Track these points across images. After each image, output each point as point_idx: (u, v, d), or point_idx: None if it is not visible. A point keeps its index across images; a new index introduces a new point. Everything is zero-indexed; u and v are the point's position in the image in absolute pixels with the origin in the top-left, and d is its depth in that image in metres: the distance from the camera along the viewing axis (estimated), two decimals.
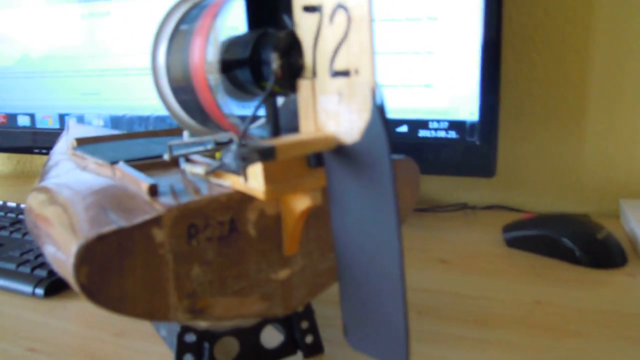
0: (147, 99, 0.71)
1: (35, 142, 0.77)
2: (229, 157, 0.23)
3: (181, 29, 0.29)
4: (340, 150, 0.25)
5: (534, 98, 0.71)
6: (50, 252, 0.30)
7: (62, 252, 0.27)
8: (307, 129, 0.26)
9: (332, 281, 0.34)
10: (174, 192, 0.29)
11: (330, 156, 0.25)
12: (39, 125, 0.78)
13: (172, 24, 0.30)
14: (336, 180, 0.26)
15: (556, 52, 0.69)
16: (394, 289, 0.24)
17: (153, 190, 0.28)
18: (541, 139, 0.71)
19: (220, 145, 0.34)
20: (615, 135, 0.69)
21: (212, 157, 0.34)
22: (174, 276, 0.27)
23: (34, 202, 0.36)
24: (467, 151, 0.60)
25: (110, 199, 0.29)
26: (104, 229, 0.25)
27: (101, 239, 0.25)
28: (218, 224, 0.28)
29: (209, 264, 0.28)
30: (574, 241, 0.54)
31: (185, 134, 0.42)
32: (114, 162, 0.34)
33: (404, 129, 0.62)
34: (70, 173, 0.38)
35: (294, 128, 0.27)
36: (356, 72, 0.23)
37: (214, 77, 0.25)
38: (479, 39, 0.57)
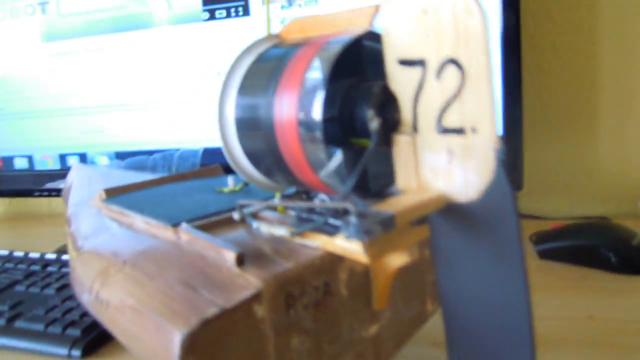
0: (154, 134, 0.68)
1: (36, 184, 0.74)
2: (351, 231, 0.21)
3: (256, 80, 0.27)
4: (451, 209, 0.24)
5: (546, 106, 0.71)
6: (124, 330, 0.28)
7: (149, 337, 0.25)
8: (408, 186, 0.25)
9: (417, 329, 0.32)
10: (259, 259, 0.27)
11: (437, 214, 0.24)
12: (38, 167, 0.74)
13: (242, 72, 0.28)
14: (444, 237, 0.25)
15: (565, 59, 0.69)
16: (520, 344, 0.23)
17: (241, 260, 0.26)
18: (556, 145, 0.71)
19: (286, 198, 0.32)
20: (630, 136, 0.69)
21: (274, 209, 0.32)
22: (275, 350, 0.25)
23: (86, 271, 0.33)
24: None
25: (192, 271, 0.27)
26: (207, 313, 0.23)
27: (205, 325, 0.23)
28: (313, 289, 0.27)
29: (306, 332, 0.26)
30: (610, 249, 0.54)
31: (230, 179, 0.40)
32: (175, 224, 0.32)
33: None
34: (116, 234, 0.36)
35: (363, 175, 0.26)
36: (473, 130, 0.22)
37: (309, 136, 0.24)
38: (499, 51, 0.56)
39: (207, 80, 0.65)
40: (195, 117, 0.67)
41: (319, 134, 0.23)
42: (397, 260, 0.27)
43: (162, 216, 0.34)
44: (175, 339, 0.23)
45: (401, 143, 0.25)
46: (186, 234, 0.31)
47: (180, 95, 0.66)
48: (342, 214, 0.26)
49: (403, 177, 0.25)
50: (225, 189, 0.40)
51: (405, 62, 0.23)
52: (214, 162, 0.54)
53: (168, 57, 0.66)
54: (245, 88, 0.28)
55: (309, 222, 0.29)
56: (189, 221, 0.32)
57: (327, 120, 0.23)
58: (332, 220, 0.26)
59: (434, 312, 0.34)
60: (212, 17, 0.63)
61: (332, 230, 0.27)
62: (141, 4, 0.65)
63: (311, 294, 0.27)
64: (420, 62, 0.23)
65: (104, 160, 0.71)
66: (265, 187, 0.31)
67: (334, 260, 0.27)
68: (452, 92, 0.22)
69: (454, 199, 0.23)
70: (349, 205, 0.22)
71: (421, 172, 0.24)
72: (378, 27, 0.24)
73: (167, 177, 0.48)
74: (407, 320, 0.32)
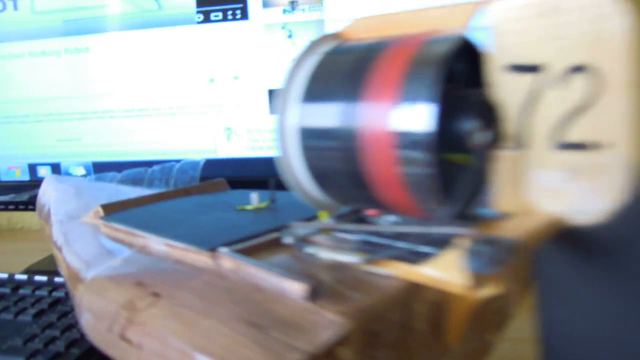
0: (137, 143, 0.63)
1: None
2: (479, 261, 0.18)
3: (328, 84, 0.24)
4: (564, 233, 0.21)
5: None
6: None
7: None
8: (508, 207, 0.22)
9: None
10: (326, 291, 0.23)
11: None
12: (3, 178, 0.68)
13: (306, 75, 0.25)
14: (552, 265, 0.22)
15: None
16: None
17: (315, 294, 0.23)
18: None
19: (343, 218, 0.29)
20: None
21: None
22: None
23: (101, 302, 0.29)
24: None
25: (250, 306, 0.23)
26: None
27: None
28: (394, 325, 0.23)
29: None
30: None
31: (254, 196, 0.36)
32: (212, 249, 0.28)
33: None
34: (130, 258, 0.32)
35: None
36: (604, 146, 0.19)
37: (407, 150, 0.20)
38: None
39: (199, 87, 0.61)
40: (184, 127, 0.62)
41: (423, 150, 0.20)
42: (488, 290, 0.24)
43: (188, 238, 0.30)
44: None
45: (505, 160, 0.22)
46: (229, 261, 0.27)
47: (167, 103, 0.62)
48: (437, 241, 0.23)
49: (504, 197, 0.22)
50: (248, 207, 0.36)
51: (518, 68, 0.20)
52: (213, 175, 0.50)
53: (156, 61, 0.61)
54: (314, 93, 0.24)
55: (379, 247, 0.25)
56: (226, 245, 0.28)
57: (434, 134, 0.20)
58: (422, 248, 0.23)
59: (494, 342, 0.31)
60: (206, 19, 0.58)
61: (414, 258, 0.23)
62: (127, 2, 0.60)
63: (391, 330, 0.23)
64: (536, 68, 0.20)
65: (79, 171, 0.65)
66: (320, 205, 0.27)
67: (410, 291, 0.24)
68: (580, 103, 0.19)
69: (570, 222, 0.21)
70: (468, 231, 0.19)
71: (527, 192, 0.21)
72: (479, 27, 0.22)
73: (169, 192, 0.43)
74: (471, 353, 0.29)
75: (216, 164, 0.60)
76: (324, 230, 0.28)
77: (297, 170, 0.25)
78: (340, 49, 0.25)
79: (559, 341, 0.22)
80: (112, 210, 0.40)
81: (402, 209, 0.23)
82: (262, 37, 0.58)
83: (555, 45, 0.19)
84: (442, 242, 0.24)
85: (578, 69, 0.19)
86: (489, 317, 0.30)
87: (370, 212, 0.30)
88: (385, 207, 0.24)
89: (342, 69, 0.23)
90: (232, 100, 0.60)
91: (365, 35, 0.25)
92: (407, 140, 0.20)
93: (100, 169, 0.64)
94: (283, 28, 0.57)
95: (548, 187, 0.21)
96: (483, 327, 0.30)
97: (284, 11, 0.56)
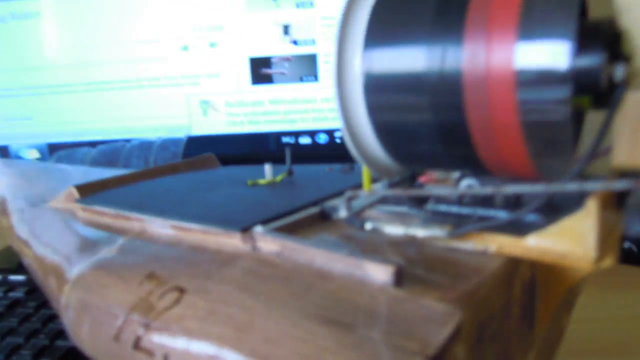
0: (99, 121, 0.56)
1: None
2: None
3: (406, 12, 0.19)
4: None
5: None
6: None
7: None
8: (637, 160, 0.18)
9: (557, 348, 0.26)
10: (416, 274, 0.19)
11: None
12: None
13: (370, 4, 0.20)
14: None
15: None
16: None
17: (400, 277, 0.18)
18: None
19: (394, 188, 0.24)
20: None
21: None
22: None
23: (101, 302, 0.23)
24: None
25: (320, 298, 0.18)
26: None
27: None
28: (497, 313, 0.19)
29: None
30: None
31: (267, 168, 0.31)
32: (245, 229, 0.22)
33: None
34: (129, 246, 0.26)
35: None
36: None
37: (539, 95, 0.16)
38: None
39: (170, 55, 0.54)
40: (153, 101, 0.55)
41: (558, 90, 0.15)
42: (609, 261, 0.19)
43: (206, 218, 0.25)
44: None
45: (632, 103, 0.17)
46: (273, 242, 0.21)
47: (133, 74, 0.54)
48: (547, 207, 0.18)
49: (628, 150, 0.18)
50: (262, 181, 0.31)
51: None
52: (197, 152, 0.44)
53: (119, 26, 0.54)
54: (385, 29, 0.19)
55: (456, 217, 0.21)
56: (261, 223, 0.23)
57: (572, 71, 0.15)
58: (532, 216, 0.19)
59: (566, 326, 0.27)
60: None
61: (511, 229, 0.19)
62: None
63: (497, 318, 0.19)
64: None
65: (32, 154, 0.57)
66: (388, 172, 0.22)
67: (510, 270, 0.19)
68: None
69: None
70: (636, 186, 0.14)
71: None
72: None
73: (154, 169, 0.37)
74: (550, 341, 0.25)
75: (203, 140, 0.53)
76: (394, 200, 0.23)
77: (362, 128, 0.20)
78: None
79: None
80: (89, 192, 0.34)
81: (511, 167, 0.18)
82: None
83: None
84: (545, 208, 0.19)
85: None
86: (569, 298, 0.26)
87: (424, 179, 0.25)
88: (482, 166, 0.19)
89: None
90: (208, 71, 0.53)
91: None
92: (537, 79, 0.16)
93: (56, 151, 0.56)
94: None
95: None
96: (562, 310, 0.26)
97: None
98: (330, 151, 0.55)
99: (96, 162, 0.44)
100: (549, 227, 0.18)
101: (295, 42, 0.53)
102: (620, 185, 0.16)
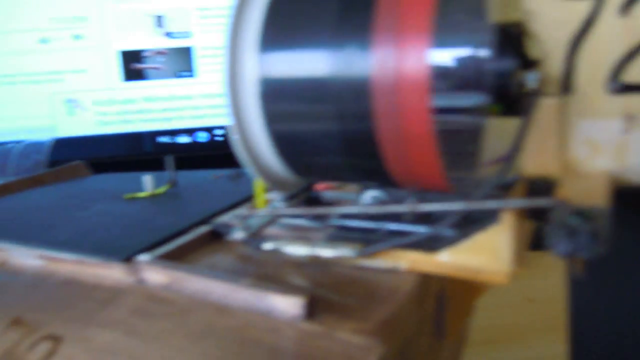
0: None
1: None
2: (574, 240, 0.13)
3: (304, 14, 0.17)
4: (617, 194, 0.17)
5: None
6: None
7: None
8: (545, 168, 0.18)
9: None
10: (326, 301, 0.17)
11: None
12: None
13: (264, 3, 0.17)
14: None
15: None
16: None
17: (312, 308, 0.16)
18: None
19: (293, 200, 0.22)
20: None
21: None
22: None
23: None
24: None
25: (225, 342, 0.16)
26: None
27: None
28: (414, 333, 0.18)
29: None
30: None
31: (147, 179, 0.28)
32: (128, 258, 0.20)
33: None
34: None
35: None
36: None
37: (454, 100, 0.15)
38: None
39: (27, 49, 0.48)
40: (9, 100, 0.48)
41: (479, 97, 0.15)
42: (521, 271, 0.19)
43: (77, 245, 0.21)
44: None
45: (545, 108, 0.17)
46: (161, 274, 0.19)
47: None
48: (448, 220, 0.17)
49: (539, 156, 0.18)
50: (141, 194, 0.28)
51: None
52: (64, 156, 0.39)
53: None
54: (285, 27, 0.17)
55: (361, 233, 0.19)
56: (144, 250, 0.20)
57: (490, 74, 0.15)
58: (447, 231, 0.18)
59: (466, 331, 0.28)
60: None
61: (430, 244, 0.18)
62: None
63: (412, 341, 0.18)
64: None
65: None
66: (282, 185, 0.21)
67: (422, 289, 0.19)
68: None
69: (626, 181, 0.17)
70: (558, 203, 0.14)
71: (570, 147, 0.17)
72: None
73: (12, 184, 0.32)
74: (456, 348, 0.25)
75: (71, 143, 0.47)
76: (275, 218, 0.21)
77: (256, 138, 0.18)
78: None
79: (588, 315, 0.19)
80: None
81: (422, 177, 0.17)
82: None
83: None
84: (458, 221, 0.19)
85: None
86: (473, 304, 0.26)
87: (320, 187, 0.24)
88: (388, 178, 0.18)
89: None
90: (73, 66, 0.48)
91: None
92: (452, 86, 0.15)
93: None
94: None
95: (598, 140, 0.17)
96: (468, 317, 0.26)
97: None
98: (211, 150, 0.52)
99: None
100: (463, 242, 0.17)
101: (169, 35, 0.50)
102: (539, 202, 0.15)
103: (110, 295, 0.19)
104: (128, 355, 0.16)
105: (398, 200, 0.19)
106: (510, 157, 0.16)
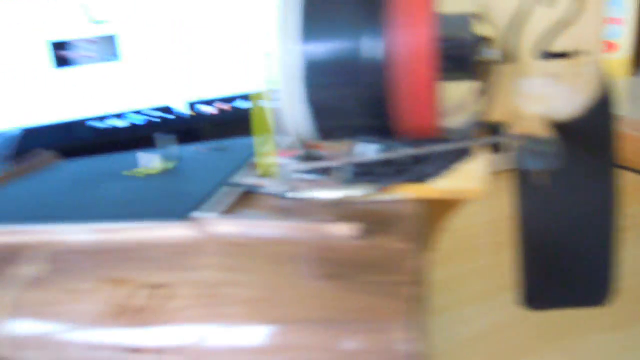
0: None
1: None
2: (539, 159, 0.21)
3: (333, 10, 0.22)
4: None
5: None
6: None
7: None
8: (503, 116, 0.25)
9: None
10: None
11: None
12: None
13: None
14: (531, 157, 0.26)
15: None
16: (599, 256, 0.27)
17: (363, 231, 0.22)
18: None
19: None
20: None
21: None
22: None
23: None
24: None
25: (305, 262, 0.21)
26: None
27: None
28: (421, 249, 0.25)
29: None
30: None
31: (155, 157, 0.32)
32: (183, 216, 0.24)
33: None
34: (58, 258, 0.24)
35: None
36: (586, 53, 0.24)
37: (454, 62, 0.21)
38: None
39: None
40: None
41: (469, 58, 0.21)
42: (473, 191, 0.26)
43: (125, 215, 0.25)
44: None
45: (500, 72, 0.24)
46: (228, 224, 0.23)
47: None
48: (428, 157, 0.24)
49: (499, 107, 0.25)
50: (151, 170, 0.31)
51: None
52: (31, 147, 0.39)
53: None
54: (317, 24, 0.22)
55: (365, 176, 0.25)
56: (193, 210, 0.24)
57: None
58: (423, 167, 0.25)
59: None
60: None
61: (423, 178, 0.25)
62: None
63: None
64: None
65: None
66: (303, 143, 0.26)
67: (419, 210, 0.25)
68: (564, 18, 0.23)
69: (552, 118, 0.25)
70: (523, 136, 0.21)
71: (512, 100, 0.25)
72: None
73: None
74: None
75: (39, 132, 0.47)
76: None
77: (293, 106, 0.23)
78: None
79: (534, 225, 0.27)
80: None
81: (420, 128, 0.23)
82: None
83: None
84: (436, 159, 0.26)
85: None
86: None
87: (316, 145, 0.29)
88: (391, 132, 0.24)
89: None
90: None
91: None
92: (453, 48, 0.21)
93: None
94: None
95: (532, 93, 0.25)
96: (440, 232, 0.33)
97: None
98: (147, 131, 0.54)
99: None
100: (453, 173, 0.24)
101: (95, 21, 0.50)
102: (511, 137, 0.23)
103: (184, 248, 0.23)
104: (232, 284, 0.21)
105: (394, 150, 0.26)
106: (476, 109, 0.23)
